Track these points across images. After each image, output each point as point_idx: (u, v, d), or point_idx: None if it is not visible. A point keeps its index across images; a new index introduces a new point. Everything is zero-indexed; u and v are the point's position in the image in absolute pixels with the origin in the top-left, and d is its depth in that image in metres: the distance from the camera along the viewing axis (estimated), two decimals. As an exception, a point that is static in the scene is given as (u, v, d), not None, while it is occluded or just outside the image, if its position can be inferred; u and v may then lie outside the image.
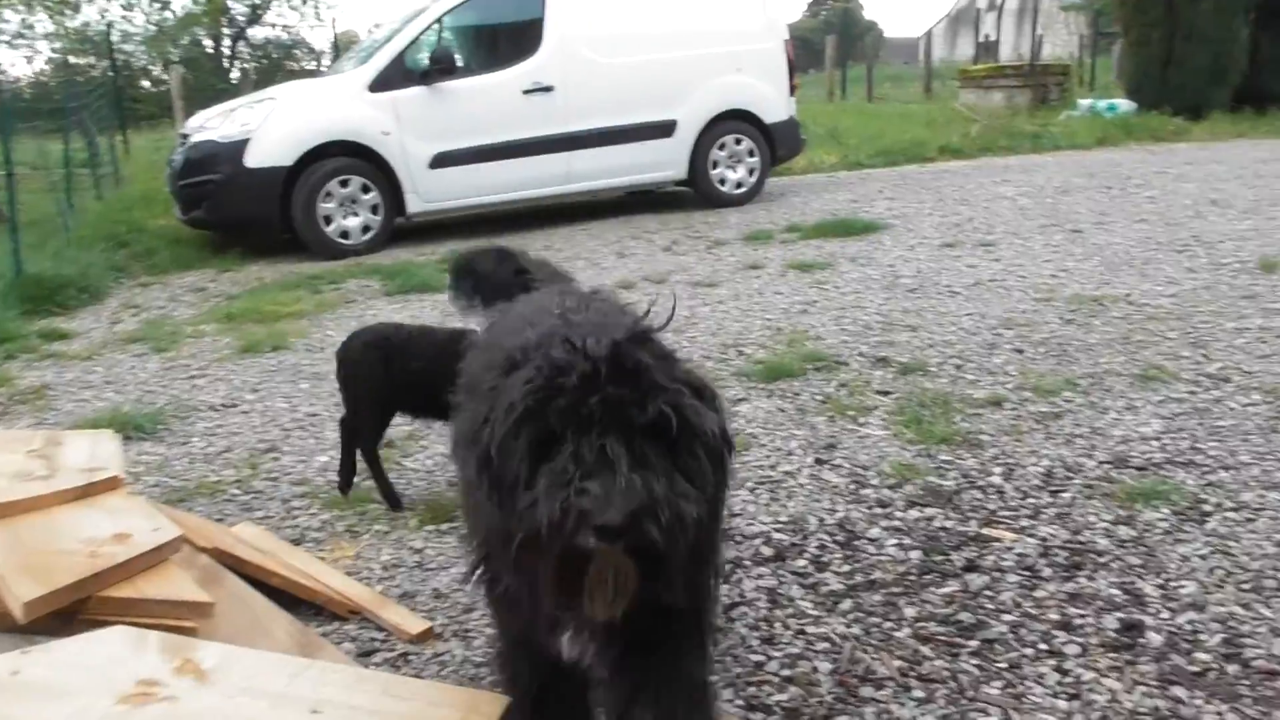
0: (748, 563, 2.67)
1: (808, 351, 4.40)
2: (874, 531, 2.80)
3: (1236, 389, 3.77)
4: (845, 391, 3.93)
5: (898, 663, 2.22)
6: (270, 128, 7.64)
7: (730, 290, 5.79)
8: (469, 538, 1.68)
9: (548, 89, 8.32)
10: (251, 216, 7.80)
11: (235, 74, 31.47)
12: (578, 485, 1.12)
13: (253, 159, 7.58)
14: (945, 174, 11.15)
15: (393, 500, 3.09)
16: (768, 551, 2.72)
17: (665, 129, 8.79)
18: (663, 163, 8.89)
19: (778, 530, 2.83)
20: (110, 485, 2.30)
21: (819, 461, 3.29)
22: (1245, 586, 2.45)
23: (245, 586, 2.33)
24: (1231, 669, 2.13)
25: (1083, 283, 5.52)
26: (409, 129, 7.92)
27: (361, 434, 3.12)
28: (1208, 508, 2.87)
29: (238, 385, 4.56)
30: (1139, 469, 3.14)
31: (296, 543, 2.91)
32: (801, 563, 2.66)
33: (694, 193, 9.25)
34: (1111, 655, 2.20)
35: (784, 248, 7.06)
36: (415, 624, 2.37)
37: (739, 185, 9.22)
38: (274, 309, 5.96)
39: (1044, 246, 6.61)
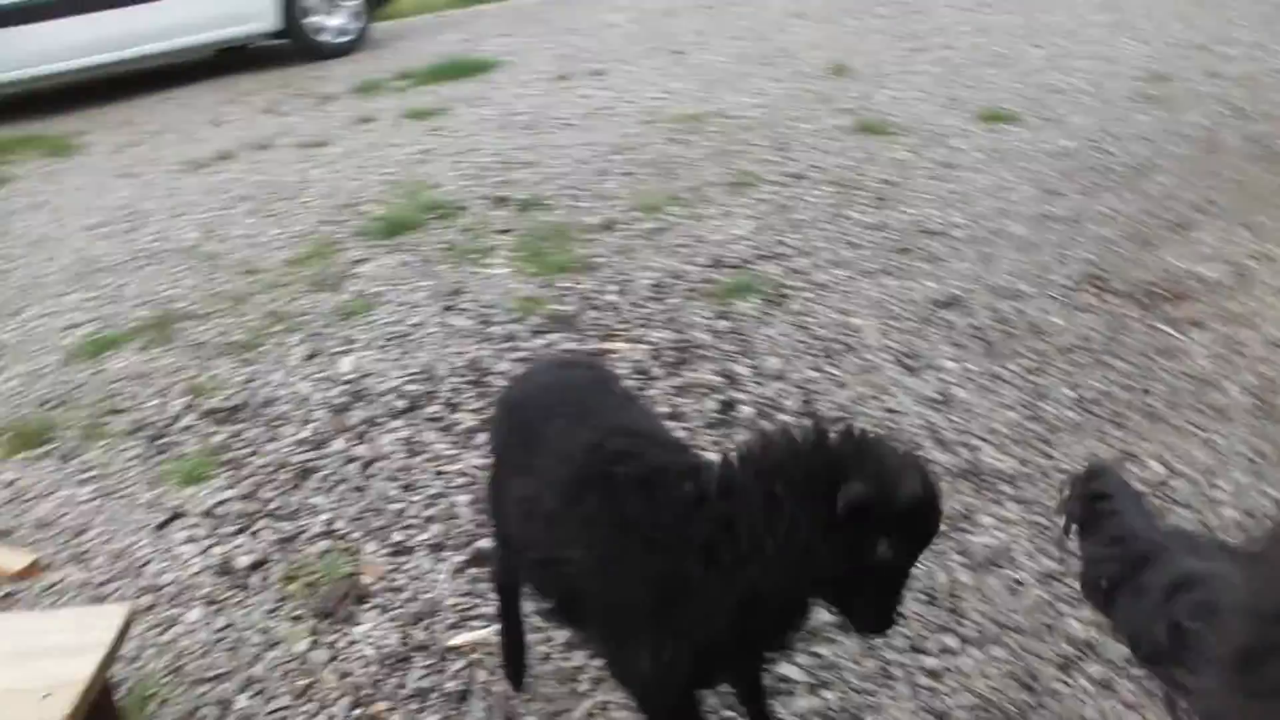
0: (383, 419, 2.67)
1: (427, 201, 4.34)
2: (502, 365, 2.90)
3: (811, 183, 4.22)
4: (468, 236, 3.94)
5: (531, 482, 2.36)
6: None
7: (343, 147, 5.51)
8: None
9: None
10: None
11: None
12: None
13: None
14: (555, 3, 11.11)
15: None
16: (401, 404, 2.73)
17: (244, -28, 7.90)
18: (247, 13, 7.98)
19: (409, 382, 2.84)
20: None
21: (446, 308, 3.31)
22: (818, 353, 2.84)
23: None
24: (807, 423, 2.48)
25: (684, 102, 5.82)
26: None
27: None
28: (789, 292, 3.24)
29: None
30: (733, 267, 3.46)
31: None
32: (434, 408, 2.71)
33: (292, 45, 8.53)
34: (712, 432, 2.48)
35: (397, 96, 6.78)
36: (17, 559, 2.16)
37: (341, 33, 8.55)
38: None
39: (650, 70, 6.85)
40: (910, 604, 1.96)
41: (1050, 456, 2.44)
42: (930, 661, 1.85)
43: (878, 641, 1.85)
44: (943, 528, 2.14)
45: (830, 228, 3.73)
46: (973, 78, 5.75)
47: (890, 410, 2.48)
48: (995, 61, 6.15)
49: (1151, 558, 1.11)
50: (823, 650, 1.86)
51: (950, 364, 2.68)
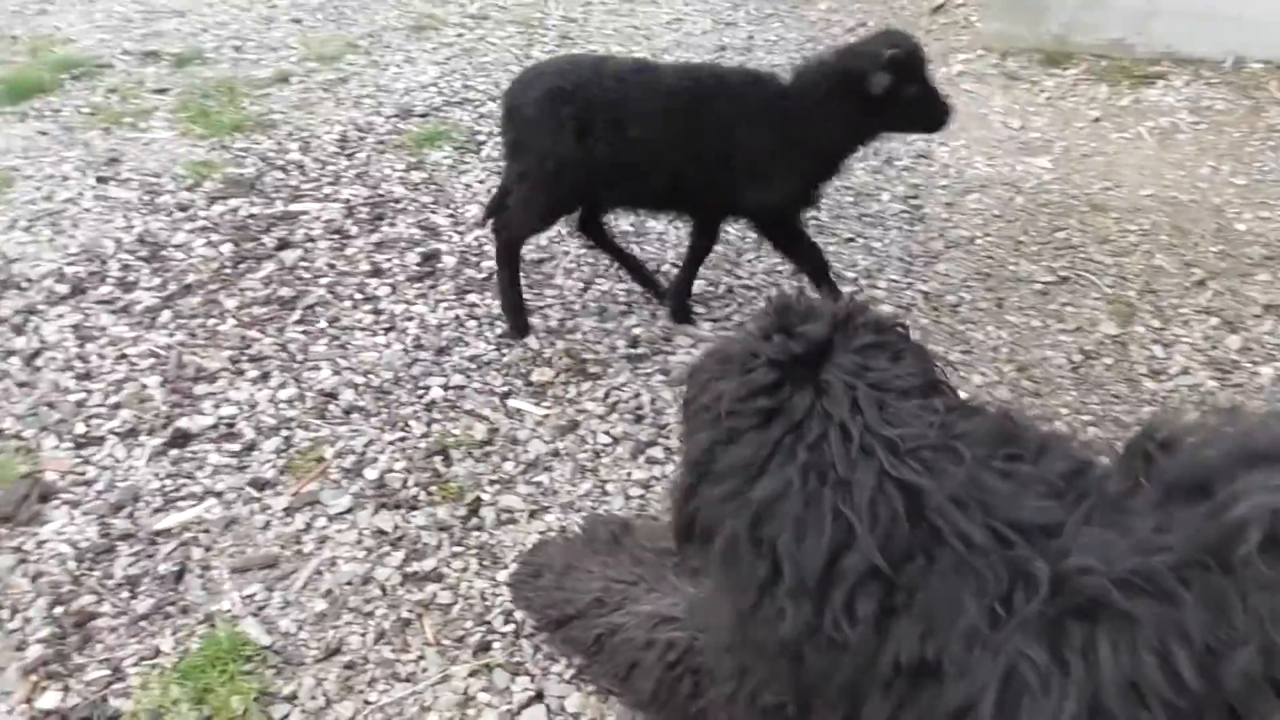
0: (43, 306, 2.40)
1: (59, 58, 3.79)
2: (179, 237, 2.66)
3: (495, 24, 4.11)
4: (116, 97, 3.50)
5: (227, 353, 2.23)
6: None
7: (-61, 2, 4.66)
8: None
9: None
10: None
11: None
12: None
13: None
14: None
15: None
16: (63, 289, 2.45)
17: None
18: None
19: (70, 264, 2.55)
20: None
21: (102, 180, 2.96)
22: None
23: None
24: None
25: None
26: None
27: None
28: (481, 138, 3.20)
29: None
30: (422, 116, 3.34)
31: None
32: (106, 289, 2.46)
33: None
34: (417, 285, 2.45)
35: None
36: None
37: None
38: None
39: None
40: (618, 424, 2.09)
41: (737, 276, 2.63)
42: (639, 474, 1.98)
43: (589, 462, 1.96)
44: (644, 350, 2.26)
45: (517, 69, 3.65)
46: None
47: (590, 246, 2.54)
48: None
49: None
50: (542, 479, 1.95)
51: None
